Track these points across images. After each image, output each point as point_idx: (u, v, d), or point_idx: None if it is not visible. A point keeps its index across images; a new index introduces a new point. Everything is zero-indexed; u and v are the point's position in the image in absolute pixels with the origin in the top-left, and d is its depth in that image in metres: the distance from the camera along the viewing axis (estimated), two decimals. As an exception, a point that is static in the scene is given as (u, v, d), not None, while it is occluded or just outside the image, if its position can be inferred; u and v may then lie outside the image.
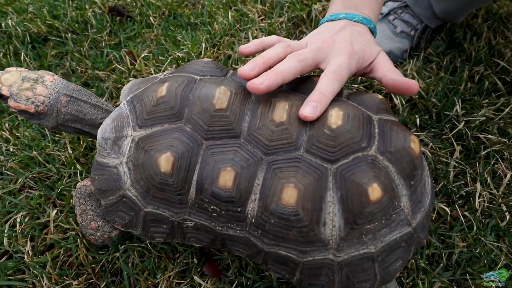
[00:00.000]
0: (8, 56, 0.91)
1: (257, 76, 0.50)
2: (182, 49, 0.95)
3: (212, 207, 0.49)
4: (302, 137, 0.48)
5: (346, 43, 0.56)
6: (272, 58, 0.53)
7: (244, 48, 0.57)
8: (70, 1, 1.04)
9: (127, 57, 0.93)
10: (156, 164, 0.48)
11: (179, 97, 0.51)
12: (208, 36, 0.98)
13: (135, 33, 1.00)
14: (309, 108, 0.48)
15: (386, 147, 0.48)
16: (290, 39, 1.00)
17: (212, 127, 0.49)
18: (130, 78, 0.84)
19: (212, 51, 0.96)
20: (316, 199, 0.46)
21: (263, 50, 0.58)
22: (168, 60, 0.90)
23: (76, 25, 0.97)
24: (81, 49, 0.94)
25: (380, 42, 1.01)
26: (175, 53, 0.93)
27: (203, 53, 0.94)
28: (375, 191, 0.45)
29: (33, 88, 0.56)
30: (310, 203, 0.46)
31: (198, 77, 0.55)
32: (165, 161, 0.48)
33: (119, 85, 0.84)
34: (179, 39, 0.98)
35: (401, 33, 1.02)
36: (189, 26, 1.03)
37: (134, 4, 1.05)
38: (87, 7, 1.01)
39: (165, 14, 1.05)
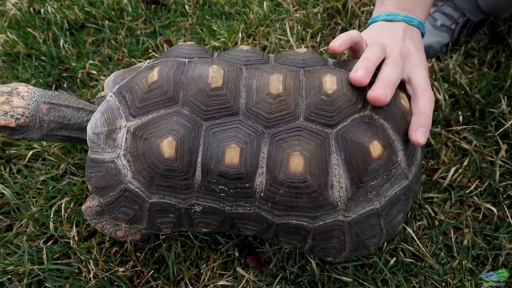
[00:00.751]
0: (48, 42, 0.92)
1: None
2: (219, 38, 0.94)
3: (220, 187, 0.49)
4: (300, 106, 0.49)
5: (419, 53, 0.57)
6: (376, 63, 0.53)
7: (337, 46, 0.53)
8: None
9: (164, 45, 0.92)
10: (158, 151, 0.47)
11: (172, 81, 0.50)
12: (243, 26, 0.97)
13: (169, 22, 0.99)
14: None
15: (379, 106, 0.50)
16: (325, 30, 0.98)
17: (210, 106, 0.49)
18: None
19: (248, 41, 0.95)
20: (321, 164, 0.47)
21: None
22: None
23: (112, 12, 0.97)
24: (117, 36, 0.94)
25: None
26: (211, 43, 0.92)
27: (239, 42, 0.93)
28: (376, 148, 0.47)
29: (9, 101, 0.52)
30: (316, 168, 0.47)
31: (187, 60, 0.54)
32: (168, 146, 0.47)
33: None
34: (215, 28, 0.97)
35: (441, 27, 0.99)
36: (223, 15, 1.02)
37: None
38: None
39: (199, 3, 1.04)
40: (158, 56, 0.88)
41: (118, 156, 0.50)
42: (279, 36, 0.95)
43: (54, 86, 0.85)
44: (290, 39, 0.92)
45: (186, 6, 1.02)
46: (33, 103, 0.53)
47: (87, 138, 0.53)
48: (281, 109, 0.48)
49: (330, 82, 0.49)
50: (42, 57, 0.88)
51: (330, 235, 0.51)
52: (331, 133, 0.48)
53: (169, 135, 0.47)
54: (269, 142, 0.48)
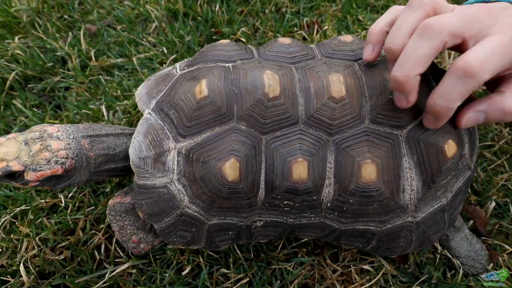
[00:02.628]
0: (204, 5, 0.97)
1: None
2: (365, 28, 0.92)
3: (285, 202, 0.45)
4: (365, 108, 0.44)
5: None
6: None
7: (368, 55, 0.45)
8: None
9: (314, 26, 0.92)
10: (221, 175, 0.42)
11: (224, 93, 0.44)
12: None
13: (313, 5, 1.00)
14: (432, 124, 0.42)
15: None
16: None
17: (269, 118, 0.43)
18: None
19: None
20: (393, 169, 0.44)
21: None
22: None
23: None
24: (265, 10, 0.97)
25: None
26: (358, 32, 0.90)
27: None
28: (451, 148, 0.44)
29: (46, 146, 0.44)
30: (388, 174, 0.44)
31: (230, 65, 0.48)
32: (231, 169, 0.42)
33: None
34: (360, 18, 0.95)
35: None
36: (368, 7, 1.00)
37: None
38: None
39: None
40: (303, 33, 0.88)
41: (171, 181, 0.45)
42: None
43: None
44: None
45: None
46: (72, 141, 0.46)
47: (131, 163, 0.46)
48: (346, 113, 0.43)
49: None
50: (198, 17, 0.94)
51: (398, 236, 0.49)
52: (401, 135, 0.44)
53: (231, 157, 0.42)
54: (335, 151, 0.43)
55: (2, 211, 0.61)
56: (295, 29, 0.91)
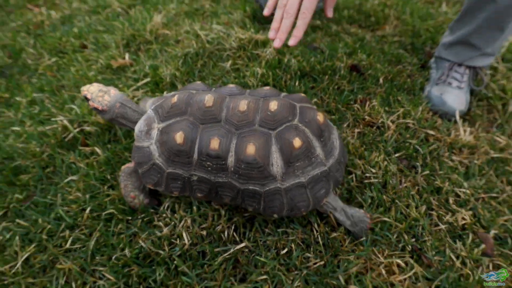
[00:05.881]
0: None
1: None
2: (403, 106, 1.25)
3: (207, 163, 0.77)
4: (256, 118, 0.78)
5: None
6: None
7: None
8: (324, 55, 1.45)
9: (366, 101, 1.26)
10: (174, 140, 0.76)
11: (184, 102, 0.80)
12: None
13: (364, 86, 1.36)
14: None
15: (303, 119, 0.79)
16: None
17: (204, 117, 0.78)
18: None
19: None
20: (266, 150, 0.75)
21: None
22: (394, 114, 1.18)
23: (329, 71, 1.37)
24: (330, 87, 1.32)
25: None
26: (398, 108, 1.23)
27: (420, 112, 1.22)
28: (296, 142, 0.75)
29: (103, 96, 0.86)
30: (262, 152, 0.74)
31: (195, 91, 0.85)
32: (179, 137, 0.76)
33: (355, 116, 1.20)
34: (399, 99, 1.29)
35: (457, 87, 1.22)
36: (405, 91, 1.34)
37: (369, 65, 1.41)
38: (337, 62, 1.40)
39: (388, 78, 1.39)
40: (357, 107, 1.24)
41: (151, 144, 0.81)
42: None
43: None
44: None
45: (380, 79, 1.37)
46: (113, 101, 0.87)
47: (135, 133, 0.83)
48: (245, 120, 0.77)
49: (273, 105, 0.78)
50: (284, 89, 1.33)
51: (274, 198, 0.78)
52: (272, 133, 0.77)
53: (180, 131, 0.77)
54: (237, 138, 0.76)
55: (166, 199, 0.94)
56: (351, 102, 1.25)
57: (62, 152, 1.02)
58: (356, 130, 1.12)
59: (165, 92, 1.19)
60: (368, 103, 1.21)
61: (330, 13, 0.95)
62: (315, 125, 0.80)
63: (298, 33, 0.87)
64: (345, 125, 1.14)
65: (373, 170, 0.99)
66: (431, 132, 1.14)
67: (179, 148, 0.77)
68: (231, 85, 0.89)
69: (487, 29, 1.11)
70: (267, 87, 0.89)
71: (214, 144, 0.75)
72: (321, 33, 1.56)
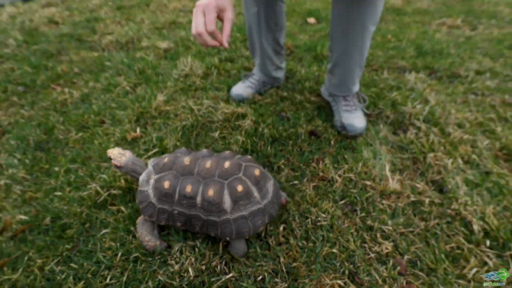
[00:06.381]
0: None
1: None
2: (347, 163, 1.66)
3: (184, 201, 1.11)
4: (216, 172, 1.12)
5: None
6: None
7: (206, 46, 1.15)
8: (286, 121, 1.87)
9: (319, 161, 1.68)
10: (163, 186, 1.12)
11: (172, 162, 1.16)
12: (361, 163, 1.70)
13: (319, 147, 1.77)
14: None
15: (246, 173, 1.13)
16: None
17: (183, 172, 1.14)
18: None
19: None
20: (220, 193, 1.09)
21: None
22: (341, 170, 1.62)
23: (293, 137, 1.79)
24: (294, 150, 1.73)
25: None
26: (343, 165, 1.65)
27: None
28: (239, 188, 1.09)
29: (121, 157, 1.25)
30: (218, 194, 1.08)
31: (179, 154, 1.21)
32: (166, 185, 1.12)
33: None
34: (345, 157, 1.71)
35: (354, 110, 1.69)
36: (350, 150, 1.77)
37: (324, 129, 1.83)
38: (299, 128, 1.83)
39: (337, 140, 1.82)
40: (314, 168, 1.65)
41: (149, 189, 1.17)
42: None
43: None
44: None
45: (332, 140, 1.79)
46: (128, 160, 1.25)
47: (139, 181, 1.20)
48: (209, 173, 1.12)
49: (227, 164, 1.13)
50: (259, 153, 1.74)
51: (226, 226, 1.10)
52: (225, 182, 1.11)
53: (168, 180, 1.13)
54: (203, 185, 1.10)
55: (175, 245, 1.31)
56: (310, 161, 1.67)
57: (96, 211, 1.39)
58: (312, 184, 1.52)
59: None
60: (321, 162, 1.62)
61: (226, 44, 1.18)
62: (253, 177, 1.15)
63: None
64: (305, 180, 1.54)
65: (324, 215, 1.38)
66: (368, 182, 1.54)
67: (166, 192, 1.14)
68: (204, 150, 1.27)
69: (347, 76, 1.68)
70: (228, 151, 1.27)
71: (188, 189, 1.11)
72: (288, 103, 2.01)
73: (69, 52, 2.61)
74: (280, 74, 2.02)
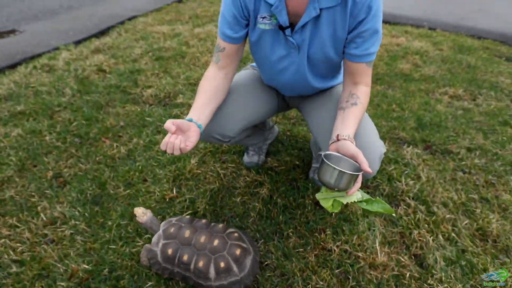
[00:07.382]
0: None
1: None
2: (345, 235, 2.02)
3: (181, 265, 1.43)
4: (207, 247, 1.44)
5: None
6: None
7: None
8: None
9: (321, 233, 2.04)
10: (167, 252, 1.46)
11: (176, 231, 1.50)
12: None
13: (322, 217, 2.14)
14: None
15: (229, 251, 1.43)
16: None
17: (183, 242, 1.47)
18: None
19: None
20: (208, 265, 1.42)
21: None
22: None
23: (301, 206, 2.16)
24: (301, 219, 2.10)
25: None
26: (340, 237, 2.00)
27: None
28: (222, 264, 1.43)
29: (144, 215, 1.55)
30: (206, 266, 1.41)
31: (183, 224, 1.54)
32: (170, 251, 1.46)
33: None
34: (343, 229, 2.06)
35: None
36: (348, 222, 2.12)
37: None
38: (306, 199, 2.20)
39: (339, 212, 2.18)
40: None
41: (158, 249, 1.50)
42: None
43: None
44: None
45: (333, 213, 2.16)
46: (147, 219, 1.56)
47: (152, 241, 1.55)
48: (203, 246, 1.45)
49: (215, 242, 1.45)
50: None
51: None
52: (212, 257, 1.42)
53: (171, 248, 1.47)
54: (196, 255, 1.43)
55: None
56: (314, 230, 2.03)
57: (140, 266, 1.79)
58: (314, 253, 1.88)
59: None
60: (323, 232, 1.98)
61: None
62: (235, 255, 1.46)
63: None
64: (308, 248, 1.90)
65: (321, 283, 1.74)
66: (360, 254, 1.88)
67: (169, 257, 1.48)
68: (202, 221, 1.60)
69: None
70: (221, 225, 1.60)
71: (185, 257, 1.45)
72: (299, 171, 2.37)
73: (116, 104, 3.07)
74: (271, 134, 2.41)
